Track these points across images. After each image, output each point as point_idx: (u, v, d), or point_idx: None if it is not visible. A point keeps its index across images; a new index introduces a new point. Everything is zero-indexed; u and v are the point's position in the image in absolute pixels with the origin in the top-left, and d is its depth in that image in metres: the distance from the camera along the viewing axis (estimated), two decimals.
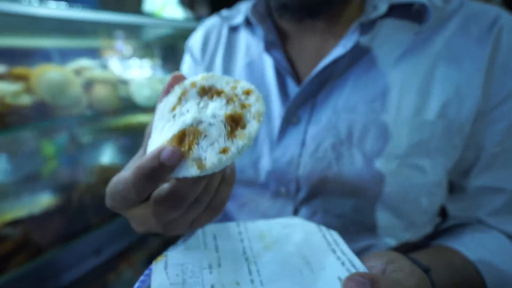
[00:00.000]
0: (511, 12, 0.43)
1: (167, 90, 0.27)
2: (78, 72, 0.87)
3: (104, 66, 1.01)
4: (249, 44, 0.51)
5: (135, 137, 1.18)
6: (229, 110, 0.23)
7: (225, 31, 0.53)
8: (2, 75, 0.74)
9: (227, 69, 0.52)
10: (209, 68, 0.54)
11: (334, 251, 0.28)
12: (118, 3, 1.30)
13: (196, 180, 0.22)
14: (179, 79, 0.26)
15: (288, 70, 0.44)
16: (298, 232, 0.32)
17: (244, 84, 0.25)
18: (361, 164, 0.41)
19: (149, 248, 1.05)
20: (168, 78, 0.27)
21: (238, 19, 0.51)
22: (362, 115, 0.40)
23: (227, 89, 0.25)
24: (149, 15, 1.31)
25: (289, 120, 0.43)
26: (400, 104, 0.39)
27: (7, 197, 0.83)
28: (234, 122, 0.23)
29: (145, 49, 1.31)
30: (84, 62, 0.94)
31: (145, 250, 1.05)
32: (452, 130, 0.39)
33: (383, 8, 0.39)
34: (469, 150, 0.41)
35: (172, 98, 0.26)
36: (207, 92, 0.25)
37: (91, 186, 0.98)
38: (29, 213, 0.84)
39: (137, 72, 1.10)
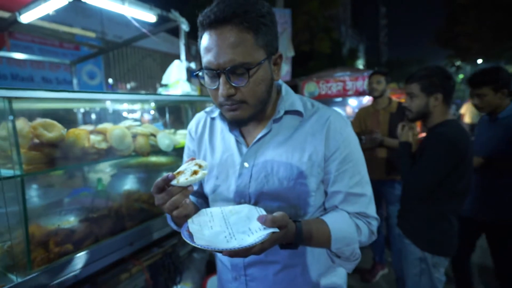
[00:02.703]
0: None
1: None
2: (128, 128, 1.42)
3: (141, 124, 1.57)
4: (222, 127, 0.88)
5: (154, 171, 1.71)
6: (193, 168, 0.67)
7: (208, 120, 0.93)
8: (92, 130, 1.29)
9: (211, 141, 0.90)
10: (199, 141, 0.92)
11: (259, 213, 0.69)
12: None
13: (175, 187, 0.66)
14: (193, 159, 0.72)
15: (242, 141, 0.83)
16: (246, 208, 0.73)
17: (201, 162, 0.70)
18: (277, 184, 0.78)
19: (162, 245, 1.50)
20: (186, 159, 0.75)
21: (215, 114, 0.89)
22: (277, 161, 0.78)
23: (198, 163, 0.70)
24: (166, 86, 1.93)
25: (243, 166, 0.81)
26: (293, 155, 0.78)
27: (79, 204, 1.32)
28: (194, 172, 0.66)
29: (162, 111, 1.90)
30: (130, 122, 1.49)
31: (160, 245, 1.50)
32: (315, 165, 0.78)
33: (281, 113, 0.79)
34: (326, 175, 0.79)
35: (184, 165, 0.72)
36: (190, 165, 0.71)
37: (124, 203, 1.47)
38: (90, 217, 1.32)
39: (160, 128, 1.67)
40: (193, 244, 0.61)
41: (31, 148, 1.10)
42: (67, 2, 1.52)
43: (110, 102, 1.59)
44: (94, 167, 1.79)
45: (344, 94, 4.59)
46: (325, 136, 0.77)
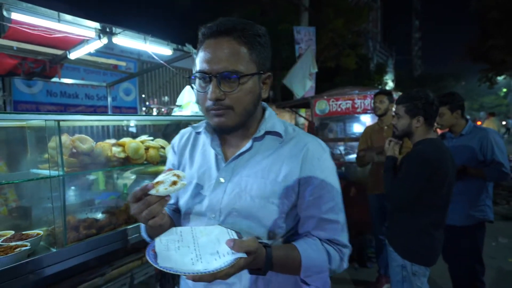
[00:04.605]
0: None
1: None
2: (142, 142, 1.80)
3: (153, 139, 1.96)
4: (205, 141, 0.89)
5: None
6: (172, 179, 0.70)
7: (192, 134, 0.94)
8: (114, 143, 1.69)
9: (191, 154, 0.90)
10: (181, 154, 0.93)
11: (230, 236, 0.68)
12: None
13: (153, 196, 0.67)
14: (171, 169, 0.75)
15: (221, 156, 0.83)
16: (217, 229, 0.72)
17: (179, 172, 0.73)
18: (249, 201, 0.77)
19: None
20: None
21: (201, 129, 0.90)
22: (252, 178, 0.78)
23: (176, 173, 0.73)
24: (180, 106, 2.32)
25: (218, 181, 0.81)
26: (268, 174, 0.78)
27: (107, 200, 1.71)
28: (173, 183, 0.69)
29: (177, 126, 2.29)
30: (144, 137, 1.89)
31: None
32: (289, 188, 0.77)
33: (262, 132, 0.81)
34: (300, 199, 0.79)
35: (161, 175, 0.73)
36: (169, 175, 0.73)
37: None
38: (110, 211, 1.70)
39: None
40: (156, 266, 0.60)
41: (70, 156, 1.50)
42: (102, 45, 1.98)
43: (131, 121, 2.02)
44: (121, 174, 2.22)
45: (353, 111, 4.74)
46: (302, 160, 0.79)
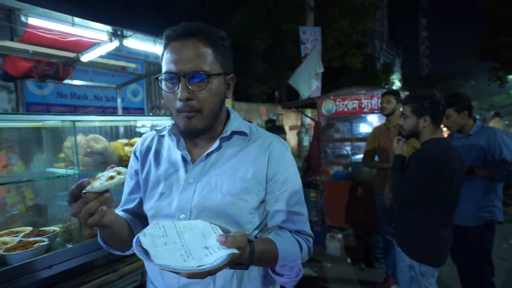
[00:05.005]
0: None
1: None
2: None
3: None
4: (169, 144, 0.89)
5: None
6: (110, 174, 0.68)
7: (156, 138, 0.92)
8: (126, 143, 1.74)
9: (156, 157, 0.89)
10: (144, 158, 0.90)
11: (215, 231, 0.69)
12: None
13: (90, 193, 0.64)
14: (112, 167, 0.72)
15: (188, 157, 0.83)
16: (201, 224, 0.72)
17: (120, 169, 0.71)
18: (220, 199, 0.79)
19: None
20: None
21: (165, 132, 0.90)
22: (222, 177, 0.80)
23: (117, 170, 0.71)
24: None
25: (187, 182, 0.81)
26: (237, 172, 0.81)
27: None
28: (111, 177, 0.66)
29: None
30: None
31: None
32: (257, 183, 0.81)
33: (228, 132, 0.83)
34: (269, 195, 0.83)
35: (104, 172, 0.70)
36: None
37: None
38: None
39: None
40: (151, 263, 0.57)
41: (85, 155, 1.56)
42: (114, 47, 2.03)
43: (141, 121, 2.07)
44: None
45: (360, 111, 4.73)
46: (268, 158, 0.83)
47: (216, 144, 0.82)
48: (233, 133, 0.85)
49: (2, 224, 1.81)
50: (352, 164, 4.15)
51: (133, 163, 0.94)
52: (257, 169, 0.82)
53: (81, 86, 5.29)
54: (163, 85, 0.76)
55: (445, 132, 2.83)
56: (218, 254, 0.60)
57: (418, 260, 1.63)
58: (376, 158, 3.02)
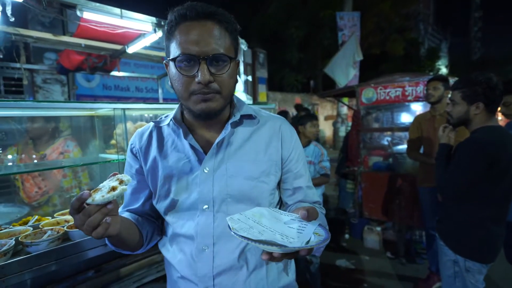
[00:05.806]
0: None
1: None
2: None
3: None
4: (171, 134, 0.84)
5: None
6: (112, 184, 0.63)
7: (154, 130, 0.87)
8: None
9: (161, 150, 0.83)
10: (145, 153, 0.85)
11: (279, 212, 0.69)
12: None
13: (92, 206, 0.61)
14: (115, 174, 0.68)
15: (197, 146, 0.79)
16: (262, 210, 0.69)
17: (123, 176, 0.66)
18: (242, 183, 0.79)
19: None
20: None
21: (166, 122, 0.86)
22: (239, 162, 0.80)
23: (119, 178, 0.67)
24: None
25: (204, 171, 0.79)
26: (254, 155, 0.82)
27: None
28: (112, 188, 0.62)
29: None
30: None
31: None
32: (274, 164, 0.84)
33: (238, 116, 0.82)
34: (287, 174, 0.87)
35: (106, 181, 0.67)
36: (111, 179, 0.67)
37: None
38: None
39: None
40: (263, 244, 0.55)
41: None
42: (157, 38, 2.10)
43: None
44: None
45: (404, 99, 4.49)
46: (281, 140, 0.86)
47: (227, 129, 0.80)
48: (242, 116, 0.84)
49: (63, 204, 1.99)
50: (393, 155, 3.97)
51: (132, 162, 0.89)
52: (273, 150, 0.84)
53: (123, 78, 5.60)
54: (175, 67, 0.71)
55: (503, 121, 2.57)
56: (308, 229, 0.62)
57: (462, 255, 1.53)
58: (421, 150, 2.85)
